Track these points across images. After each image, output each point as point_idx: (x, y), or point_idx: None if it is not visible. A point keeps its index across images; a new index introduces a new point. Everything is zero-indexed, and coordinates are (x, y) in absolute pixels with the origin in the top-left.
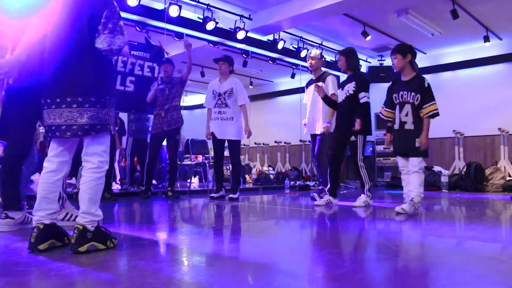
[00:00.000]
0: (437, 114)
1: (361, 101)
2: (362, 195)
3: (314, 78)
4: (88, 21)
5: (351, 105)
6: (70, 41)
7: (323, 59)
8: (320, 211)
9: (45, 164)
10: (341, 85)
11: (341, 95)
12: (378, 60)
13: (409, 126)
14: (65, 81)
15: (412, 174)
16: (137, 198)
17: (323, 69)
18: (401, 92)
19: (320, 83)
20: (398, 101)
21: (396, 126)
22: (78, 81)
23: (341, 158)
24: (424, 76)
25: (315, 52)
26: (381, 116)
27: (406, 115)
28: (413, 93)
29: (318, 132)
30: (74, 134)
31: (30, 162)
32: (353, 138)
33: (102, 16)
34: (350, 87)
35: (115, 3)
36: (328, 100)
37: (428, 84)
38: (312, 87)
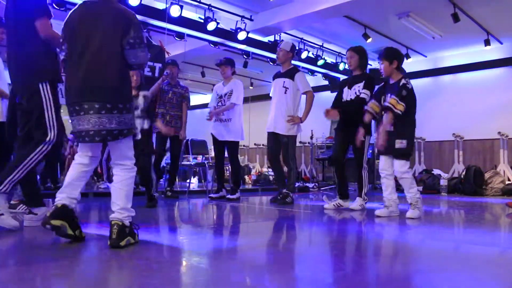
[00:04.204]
0: (393, 112)
1: (360, 95)
2: (358, 198)
3: (282, 71)
4: (114, 31)
5: (361, 108)
6: (98, 50)
7: (294, 53)
8: (319, 212)
9: (77, 157)
10: (347, 84)
11: (349, 95)
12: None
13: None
14: (94, 88)
15: (399, 180)
16: (135, 199)
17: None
18: (387, 95)
19: (287, 80)
20: (384, 104)
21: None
22: (106, 88)
23: (344, 160)
24: (424, 79)
25: (286, 43)
26: (370, 110)
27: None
28: (393, 95)
29: (285, 133)
30: (103, 138)
31: None
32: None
33: (130, 30)
34: (360, 88)
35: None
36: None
37: (404, 84)
38: (279, 81)
